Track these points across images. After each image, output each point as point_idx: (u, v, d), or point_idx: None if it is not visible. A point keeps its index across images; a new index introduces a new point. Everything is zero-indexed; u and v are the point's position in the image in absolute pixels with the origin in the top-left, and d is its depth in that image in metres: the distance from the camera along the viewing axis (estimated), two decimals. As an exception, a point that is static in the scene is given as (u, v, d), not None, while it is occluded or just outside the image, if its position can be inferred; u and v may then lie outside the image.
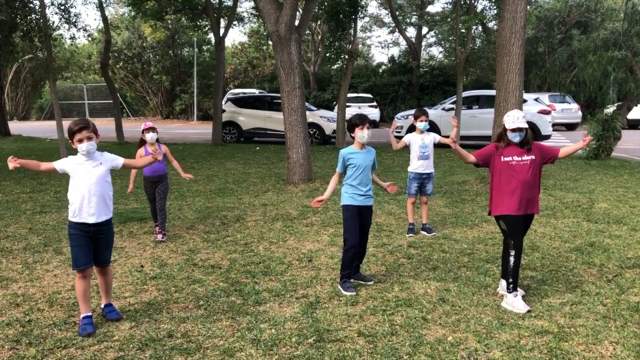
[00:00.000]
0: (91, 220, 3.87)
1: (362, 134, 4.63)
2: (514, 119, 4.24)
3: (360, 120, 4.64)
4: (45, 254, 5.77)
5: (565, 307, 4.21)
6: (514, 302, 4.18)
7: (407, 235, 6.41)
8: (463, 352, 3.51)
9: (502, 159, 4.30)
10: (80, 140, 3.82)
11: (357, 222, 4.67)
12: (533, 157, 4.29)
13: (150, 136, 6.13)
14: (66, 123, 10.47)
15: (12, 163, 3.77)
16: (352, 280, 4.73)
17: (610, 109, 13.10)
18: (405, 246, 5.97)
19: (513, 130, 4.23)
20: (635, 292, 4.54)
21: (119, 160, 4.09)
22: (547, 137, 15.96)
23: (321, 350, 3.54)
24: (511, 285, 4.24)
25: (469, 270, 5.16)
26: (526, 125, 4.24)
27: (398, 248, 5.90)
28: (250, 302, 4.38)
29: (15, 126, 25.74)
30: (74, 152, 3.97)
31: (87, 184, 3.85)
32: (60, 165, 3.91)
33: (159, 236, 6.30)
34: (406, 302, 4.32)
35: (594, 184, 9.73)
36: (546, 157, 4.39)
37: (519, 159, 4.26)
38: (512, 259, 4.25)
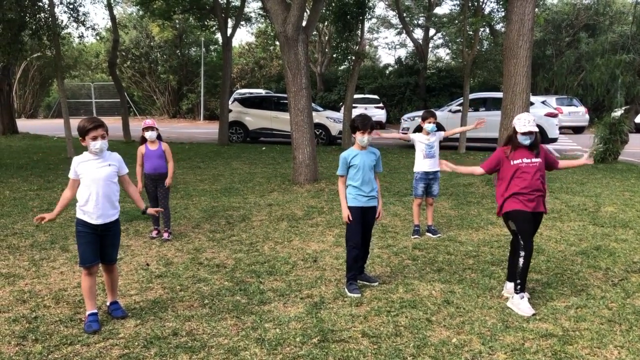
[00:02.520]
0: (98, 221, 3.90)
1: (362, 138, 4.63)
2: (524, 123, 4.26)
3: (362, 125, 4.60)
4: (51, 251, 5.81)
5: (570, 311, 4.20)
6: (520, 304, 4.18)
7: (412, 237, 6.41)
8: (467, 354, 3.51)
9: (512, 162, 4.32)
10: (95, 138, 3.84)
11: (360, 223, 4.68)
12: (540, 160, 4.33)
13: (149, 134, 6.25)
14: (73, 121, 10.44)
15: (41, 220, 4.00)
16: (357, 281, 4.73)
17: (617, 113, 13.02)
18: (410, 248, 5.97)
19: (524, 133, 4.26)
20: (641, 297, 4.52)
21: (124, 171, 4.11)
22: (554, 140, 15.86)
23: (325, 351, 3.55)
24: (519, 287, 4.24)
25: (473, 272, 5.15)
26: (536, 129, 4.28)
27: (403, 249, 5.90)
28: (255, 301, 4.39)
29: (23, 124, 25.88)
30: (81, 151, 4.00)
31: (94, 183, 3.87)
32: (74, 175, 3.92)
33: (165, 234, 6.34)
34: (411, 304, 4.33)
35: (600, 187, 9.69)
36: (547, 164, 4.45)
37: (528, 160, 4.30)
38: (521, 260, 4.24)
